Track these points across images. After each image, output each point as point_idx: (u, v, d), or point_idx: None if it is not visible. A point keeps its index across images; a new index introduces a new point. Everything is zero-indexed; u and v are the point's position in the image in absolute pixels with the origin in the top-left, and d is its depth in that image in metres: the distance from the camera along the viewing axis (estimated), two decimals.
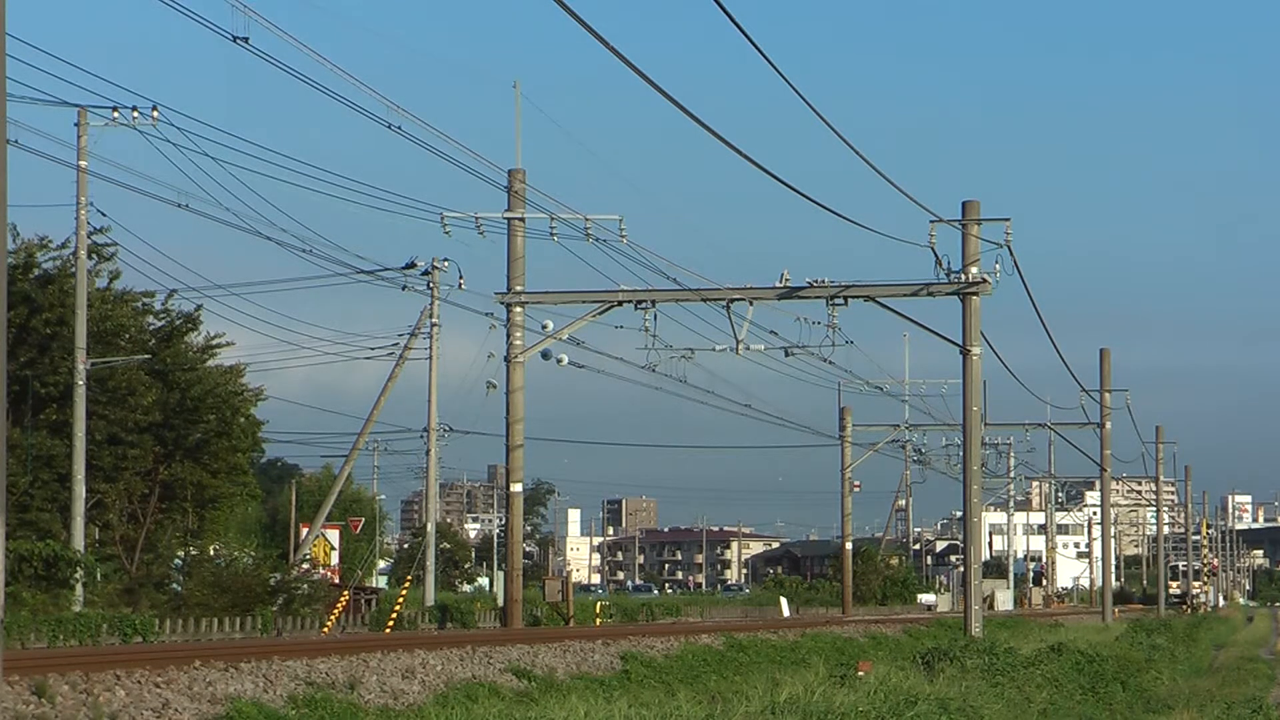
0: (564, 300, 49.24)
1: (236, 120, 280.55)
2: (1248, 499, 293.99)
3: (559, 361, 49.63)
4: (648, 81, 25.34)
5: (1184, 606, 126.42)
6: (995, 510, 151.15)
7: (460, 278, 56.17)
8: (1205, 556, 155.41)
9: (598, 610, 64.53)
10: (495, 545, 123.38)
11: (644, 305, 48.92)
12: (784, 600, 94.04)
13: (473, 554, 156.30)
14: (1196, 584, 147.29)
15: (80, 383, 49.50)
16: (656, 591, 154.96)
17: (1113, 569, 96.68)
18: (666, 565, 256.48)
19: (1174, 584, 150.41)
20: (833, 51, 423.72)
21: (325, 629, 51.63)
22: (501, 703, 24.04)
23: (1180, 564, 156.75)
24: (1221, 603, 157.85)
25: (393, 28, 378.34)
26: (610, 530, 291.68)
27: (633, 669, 33.63)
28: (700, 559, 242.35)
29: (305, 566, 61.83)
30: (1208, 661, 54.04)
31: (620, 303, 48.77)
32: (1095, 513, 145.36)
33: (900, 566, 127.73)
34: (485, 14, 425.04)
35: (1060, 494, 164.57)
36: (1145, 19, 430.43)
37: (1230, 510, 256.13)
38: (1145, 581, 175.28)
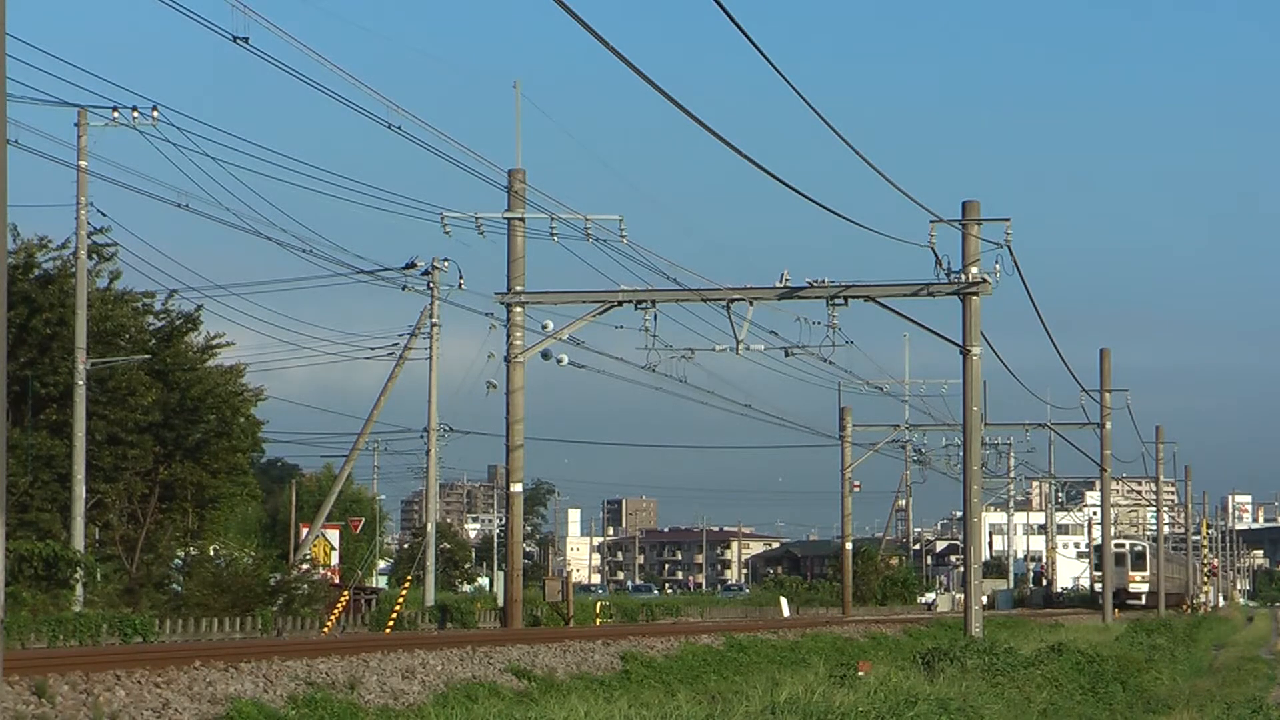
0: (564, 300, 49.24)
1: (236, 120, 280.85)
2: (1248, 499, 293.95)
3: (559, 361, 49.62)
4: (648, 82, 25.36)
5: (1186, 606, 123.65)
6: (995, 510, 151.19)
7: (460, 278, 56.24)
8: (1205, 556, 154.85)
9: (598, 610, 64.51)
10: (495, 545, 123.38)
11: (644, 305, 48.91)
12: (784, 600, 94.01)
13: (473, 554, 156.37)
14: (1138, 575, 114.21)
15: (80, 383, 49.50)
16: (656, 591, 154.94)
17: (1112, 569, 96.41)
18: (666, 565, 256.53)
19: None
20: (833, 52, 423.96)
21: (325, 629, 51.60)
22: (501, 703, 24.03)
23: (1115, 542, 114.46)
24: (1221, 603, 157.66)
25: (393, 28, 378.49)
26: (610, 530, 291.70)
27: (633, 669, 33.61)
28: (700, 559, 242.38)
29: (305, 566, 61.77)
30: (1208, 661, 54.00)
31: (620, 303, 48.77)
32: (1095, 513, 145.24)
33: (900, 566, 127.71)
34: (485, 14, 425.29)
35: (1060, 494, 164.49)
36: (1145, 18, 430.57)
37: (1230, 510, 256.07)
38: None
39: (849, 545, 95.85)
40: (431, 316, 64.47)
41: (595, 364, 51.21)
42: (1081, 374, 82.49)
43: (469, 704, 23.65)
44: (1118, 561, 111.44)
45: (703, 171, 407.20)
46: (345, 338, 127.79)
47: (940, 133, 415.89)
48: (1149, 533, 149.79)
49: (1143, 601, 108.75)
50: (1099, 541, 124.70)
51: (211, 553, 57.91)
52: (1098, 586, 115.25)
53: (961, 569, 68.99)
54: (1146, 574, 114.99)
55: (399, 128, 41.81)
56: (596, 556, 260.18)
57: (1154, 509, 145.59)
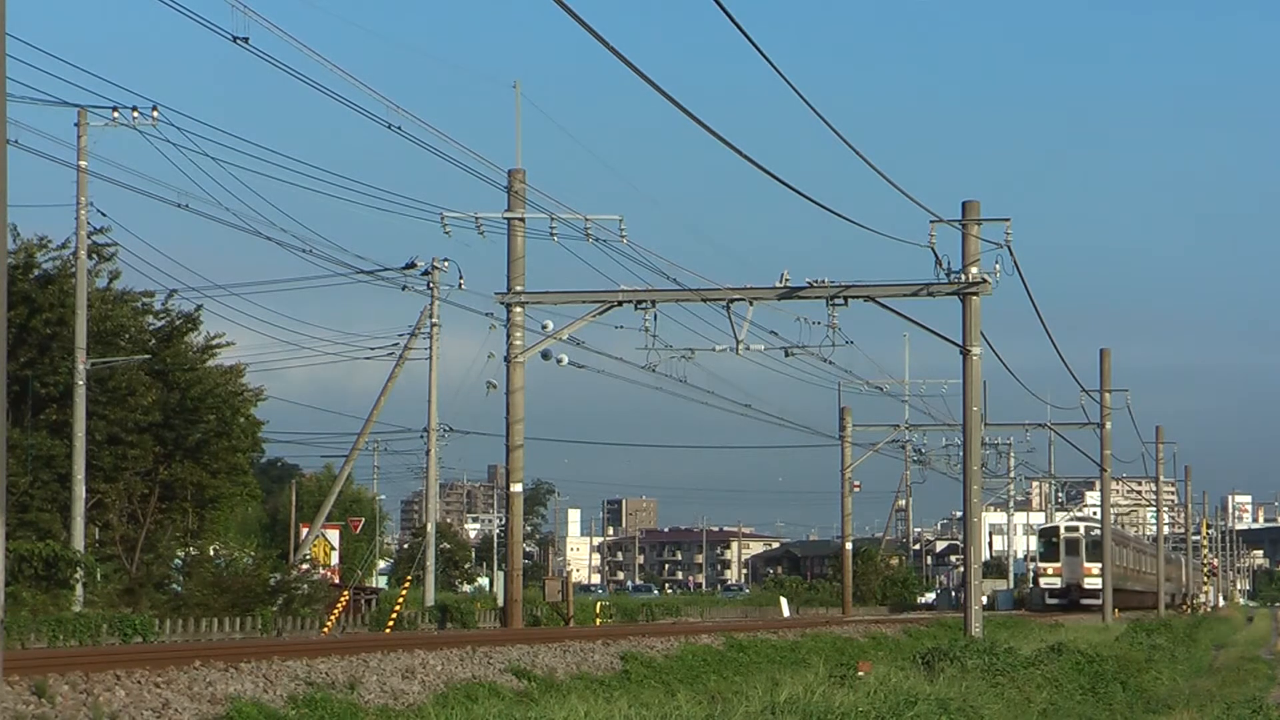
0: (564, 300, 49.25)
1: (236, 120, 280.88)
2: (1248, 499, 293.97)
3: (559, 361, 49.64)
4: (648, 82, 25.36)
5: (1185, 606, 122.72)
6: (995, 510, 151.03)
7: (460, 278, 56.26)
8: (1205, 556, 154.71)
9: (598, 610, 64.53)
10: (495, 545, 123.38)
11: (644, 305, 48.93)
12: (784, 600, 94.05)
13: (473, 554, 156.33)
14: (1095, 567, 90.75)
15: (80, 383, 49.50)
16: (656, 592, 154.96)
17: (1111, 569, 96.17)
18: (666, 565, 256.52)
19: (1050, 566, 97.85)
20: (833, 52, 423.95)
21: (325, 629, 51.60)
22: (501, 703, 24.01)
23: (1067, 525, 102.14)
24: (1221, 603, 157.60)
25: (393, 28, 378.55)
26: (610, 530, 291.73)
27: (633, 669, 33.60)
28: (700, 559, 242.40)
29: (305, 566, 61.80)
30: (1208, 661, 54.00)
31: (620, 303, 48.79)
32: (1095, 513, 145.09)
33: (900, 567, 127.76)
34: (485, 14, 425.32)
35: (1060, 494, 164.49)
36: (1144, 19, 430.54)
37: (1230, 510, 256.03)
38: None
39: (849, 545, 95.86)
40: (431, 316, 64.49)
41: (595, 364, 51.30)
42: (1081, 374, 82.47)
43: (469, 704, 23.63)
44: (1069, 550, 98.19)
45: (703, 171, 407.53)
46: (345, 338, 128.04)
47: (940, 133, 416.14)
48: (1149, 533, 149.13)
49: (1100, 601, 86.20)
50: (1048, 524, 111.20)
51: (211, 553, 57.92)
52: (1043, 582, 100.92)
53: (961, 569, 68.94)
54: (1089, 564, 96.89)
55: (399, 128, 41.85)
56: (596, 556, 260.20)
57: (1154, 509, 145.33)
